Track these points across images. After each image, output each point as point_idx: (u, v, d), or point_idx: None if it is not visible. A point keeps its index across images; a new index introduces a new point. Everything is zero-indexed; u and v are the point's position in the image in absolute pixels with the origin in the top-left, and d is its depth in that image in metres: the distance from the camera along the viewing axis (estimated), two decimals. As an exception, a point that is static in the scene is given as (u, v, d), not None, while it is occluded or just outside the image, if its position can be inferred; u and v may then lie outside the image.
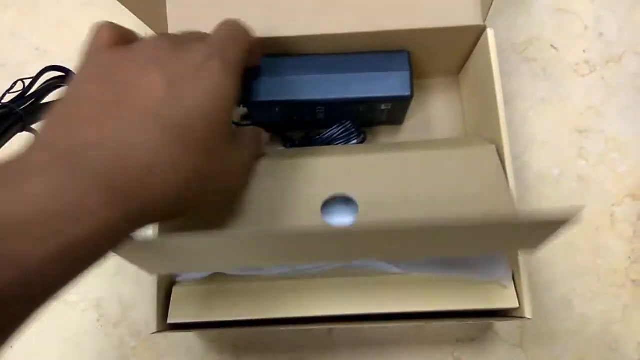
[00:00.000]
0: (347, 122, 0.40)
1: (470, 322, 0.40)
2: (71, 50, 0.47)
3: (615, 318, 0.41)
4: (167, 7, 0.39)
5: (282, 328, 0.36)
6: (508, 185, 0.33)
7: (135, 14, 0.38)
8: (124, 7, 0.37)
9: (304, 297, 0.34)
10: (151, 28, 0.39)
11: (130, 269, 0.43)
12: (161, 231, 0.34)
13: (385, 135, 0.44)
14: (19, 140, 0.40)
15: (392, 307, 0.33)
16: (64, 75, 0.44)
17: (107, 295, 0.43)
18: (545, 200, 0.43)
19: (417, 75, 0.38)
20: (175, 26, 0.38)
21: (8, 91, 0.36)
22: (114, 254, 0.23)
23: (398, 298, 0.33)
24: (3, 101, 0.35)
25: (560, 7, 0.47)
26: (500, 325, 0.41)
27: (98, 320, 0.42)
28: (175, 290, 0.35)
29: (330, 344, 0.41)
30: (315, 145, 0.41)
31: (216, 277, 0.34)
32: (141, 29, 0.47)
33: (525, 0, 0.47)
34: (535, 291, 0.41)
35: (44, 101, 0.41)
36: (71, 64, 0.46)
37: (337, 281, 0.34)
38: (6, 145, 0.36)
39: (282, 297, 0.34)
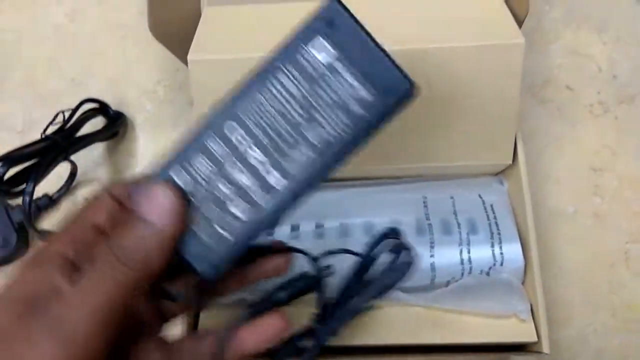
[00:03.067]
0: None
1: (489, 357, 0.41)
2: (105, 81, 0.50)
3: (631, 353, 0.41)
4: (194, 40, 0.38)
5: None
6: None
7: (166, 47, 0.40)
8: (155, 43, 0.39)
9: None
10: (181, 60, 0.41)
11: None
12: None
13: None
14: (62, 169, 0.42)
15: (411, 339, 0.34)
16: (99, 107, 0.46)
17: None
18: (561, 237, 0.44)
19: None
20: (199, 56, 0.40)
21: (51, 123, 0.39)
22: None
23: (417, 331, 0.34)
24: (46, 133, 0.37)
25: (575, 50, 0.49)
26: None
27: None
28: (202, 315, 0.36)
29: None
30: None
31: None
32: (172, 62, 0.49)
33: (541, 43, 0.49)
34: (551, 326, 0.41)
35: (80, 132, 0.43)
36: (105, 96, 0.48)
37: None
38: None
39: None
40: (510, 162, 0.38)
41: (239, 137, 0.23)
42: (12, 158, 0.34)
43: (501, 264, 0.35)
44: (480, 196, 0.38)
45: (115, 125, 0.46)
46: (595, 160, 0.46)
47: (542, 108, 0.47)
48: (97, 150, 0.48)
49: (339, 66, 0.22)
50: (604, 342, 0.42)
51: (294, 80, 0.22)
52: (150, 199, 0.22)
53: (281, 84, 0.22)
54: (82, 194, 0.47)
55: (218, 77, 0.35)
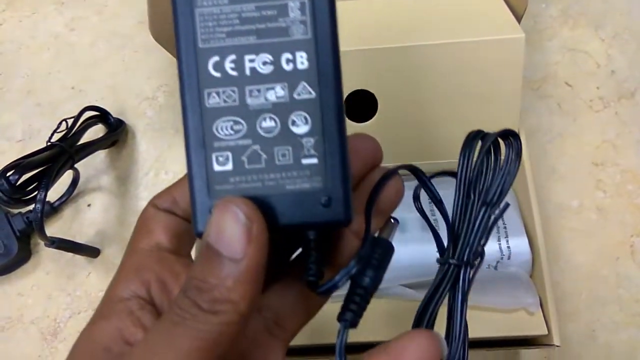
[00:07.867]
0: None
1: (499, 351, 0.41)
2: (105, 89, 0.50)
3: (639, 348, 0.41)
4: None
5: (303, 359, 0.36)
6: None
7: (167, 49, 0.40)
8: (154, 50, 0.38)
9: (326, 323, 0.34)
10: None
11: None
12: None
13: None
14: (63, 176, 0.42)
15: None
16: (100, 115, 0.46)
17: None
18: (567, 231, 0.44)
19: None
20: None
21: (55, 131, 0.38)
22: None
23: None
24: (52, 140, 0.37)
25: (572, 46, 0.49)
26: (526, 355, 0.41)
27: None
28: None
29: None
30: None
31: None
32: (171, 67, 0.49)
33: (539, 39, 0.49)
34: (559, 321, 0.41)
35: (83, 139, 0.43)
36: (106, 104, 0.48)
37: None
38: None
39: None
40: None
41: (229, 65, 0.18)
42: (23, 166, 0.34)
43: (508, 258, 0.34)
44: (484, 191, 0.38)
45: (116, 134, 0.46)
46: (597, 155, 0.46)
47: (542, 104, 0.47)
48: (99, 157, 0.47)
49: None
50: (611, 337, 0.41)
51: None
52: (219, 232, 0.16)
53: None
54: (84, 201, 0.47)
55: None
